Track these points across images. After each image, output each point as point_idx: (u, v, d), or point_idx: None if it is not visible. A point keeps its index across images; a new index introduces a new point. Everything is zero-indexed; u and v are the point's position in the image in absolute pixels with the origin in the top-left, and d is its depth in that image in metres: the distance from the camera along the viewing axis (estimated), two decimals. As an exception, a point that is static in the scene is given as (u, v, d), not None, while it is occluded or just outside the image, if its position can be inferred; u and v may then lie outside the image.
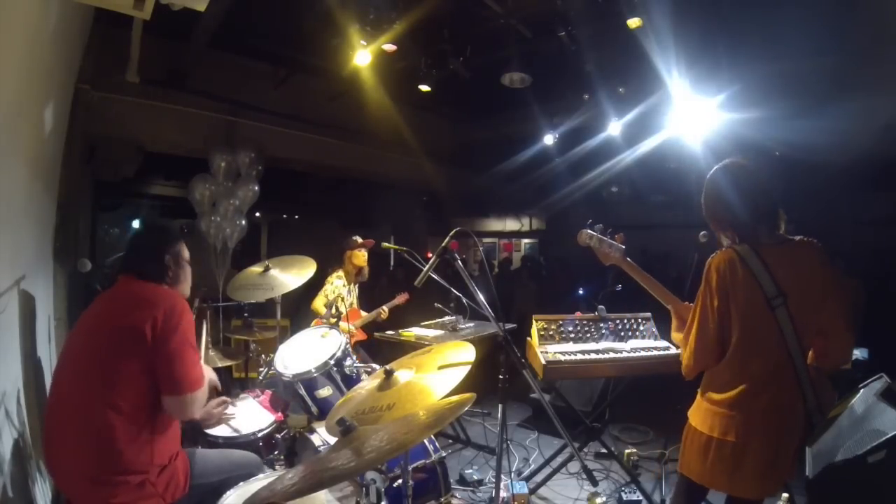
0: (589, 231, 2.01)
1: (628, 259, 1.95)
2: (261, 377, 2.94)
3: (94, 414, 1.54)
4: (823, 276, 1.59)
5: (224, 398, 2.19)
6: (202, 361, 2.45)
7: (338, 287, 3.80)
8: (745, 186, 1.63)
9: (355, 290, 4.02)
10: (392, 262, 8.87)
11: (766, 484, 1.59)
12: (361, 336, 3.98)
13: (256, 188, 5.32)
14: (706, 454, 1.61)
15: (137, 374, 1.58)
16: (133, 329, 1.57)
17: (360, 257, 3.91)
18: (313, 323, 3.73)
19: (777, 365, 1.56)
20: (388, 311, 4.06)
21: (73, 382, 1.62)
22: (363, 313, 4.04)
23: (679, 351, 1.78)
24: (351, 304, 3.89)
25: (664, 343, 2.71)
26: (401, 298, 4.15)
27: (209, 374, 2.02)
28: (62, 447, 1.60)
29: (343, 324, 2.98)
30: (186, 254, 1.91)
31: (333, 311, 3.55)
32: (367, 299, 4.37)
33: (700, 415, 1.66)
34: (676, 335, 1.85)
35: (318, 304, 3.76)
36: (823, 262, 1.60)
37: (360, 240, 3.92)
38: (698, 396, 1.71)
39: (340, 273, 3.86)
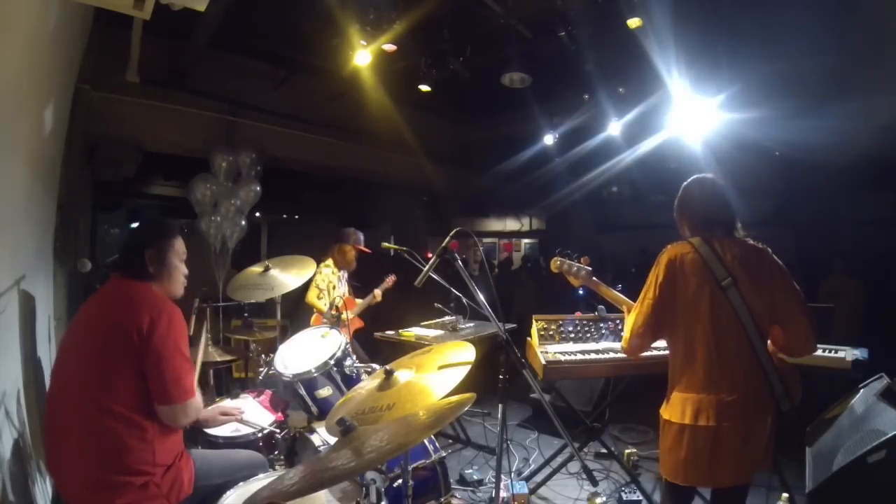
0: (559, 258, 2.27)
1: (594, 278, 2.19)
2: (260, 377, 2.94)
3: (93, 415, 1.53)
4: (770, 267, 1.69)
5: (231, 409, 2.19)
6: (198, 364, 2.45)
7: (327, 275, 3.78)
8: (710, 198, 1.80)
9: (345, 276, 4.01)
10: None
11: (741, 468, 1.63)
12: (359, 323, 4.00)
13: (258, 188, 5.32)
14: (680, 444, 1.65)
15: (131, 375, 1.57)
16: (121, 330, 1.56)
17: (353, 254, 3.94)
18: (312, 320, 3.74)
19: (736, 347, 1.63)
20: (381, 294, 4.08)
21: (70, 383, 1.61)
22: (358, 301, 4.06)
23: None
24: (344, 294, 3.93)
25: (663, 343, 2.70)
26: (390, 280, 4.17)
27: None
28: (63, 449, 1.59)
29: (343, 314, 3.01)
30: (180, 249, 1.83)
31: (334, 311, 3.56)
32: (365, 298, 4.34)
33: (670, 407, 1.72)
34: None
35: (312, 296, 3.75)
36: (770, 258, 1.71)
37: (361, 239, 3.94)
38: (666, 396, 1.77)
39: (329, 262, 3.86)
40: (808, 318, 1.68)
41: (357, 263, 4.06)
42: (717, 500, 1.78)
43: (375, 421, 1.52)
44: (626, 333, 1.82)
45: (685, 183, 1.88)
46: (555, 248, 2.30)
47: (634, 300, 2.39)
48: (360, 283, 4.22)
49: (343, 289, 3.97)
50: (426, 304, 3.82)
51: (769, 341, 1.71)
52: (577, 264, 2.23)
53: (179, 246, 1.84)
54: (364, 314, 4.16)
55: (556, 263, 2.27)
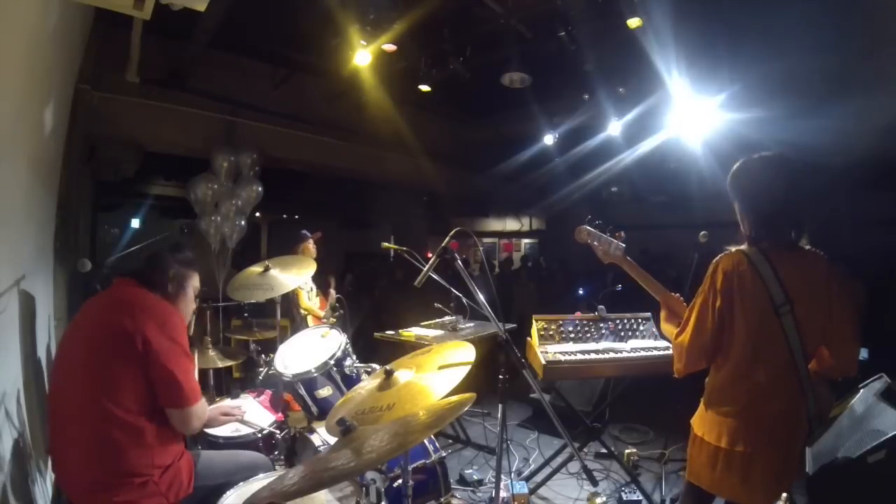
0: (588, 228, 1.94)
1: (628, 258, 1.89)
2: (260, 377, 2.94)
3: (91, 419, 1.53)
4: (830, 287, 1.56)
5: (232, 409, 2.20)
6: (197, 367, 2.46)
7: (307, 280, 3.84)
8: (785, 185, 1.57)
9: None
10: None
11: (774, 491, 1.59)
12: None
13: (260, 189, 5.32)
14: (714, 464, 1.59)
15: (133, 379, 1.56)
16: (124, 334, 1.56)
17: (312, 250, 4.00)
18: (309, 322, 3.79)
19: (781, 371, 1.54)
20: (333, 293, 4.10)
21: (69, 386, 1.61)
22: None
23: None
24: (318, 294, 4.06)
25: (664, 343, 2.71)
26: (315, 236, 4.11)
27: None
28: (65, 449, 1.59)
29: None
30: (196, 285, 1.92)
31: (335, 313, 3.57)
32: (368, 299, 4.39)
33: (706, 424, 1.63)
34: (666, 326, 1.83)
35: (305, 301, 3.86)
36: (831, 273, 1.58)
37: (308, 234, 4.04)
38: (702, 406, 1.69)
39: None
40: (858, 342, 1.59)
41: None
42: None
43: (375, 421, 1.52)
44: (678, 357, 1.65)
45: (754, 162, 1.60)
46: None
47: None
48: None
49: (314, 288, 4.07)
50: (426, 304, 3.82)
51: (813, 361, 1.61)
52: (612, 240, 1.92)
53: (197, 282, 1.93)
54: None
55: (583, 234, 1.94)
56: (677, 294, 1.88)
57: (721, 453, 1.56)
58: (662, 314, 1.86)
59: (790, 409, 1.55)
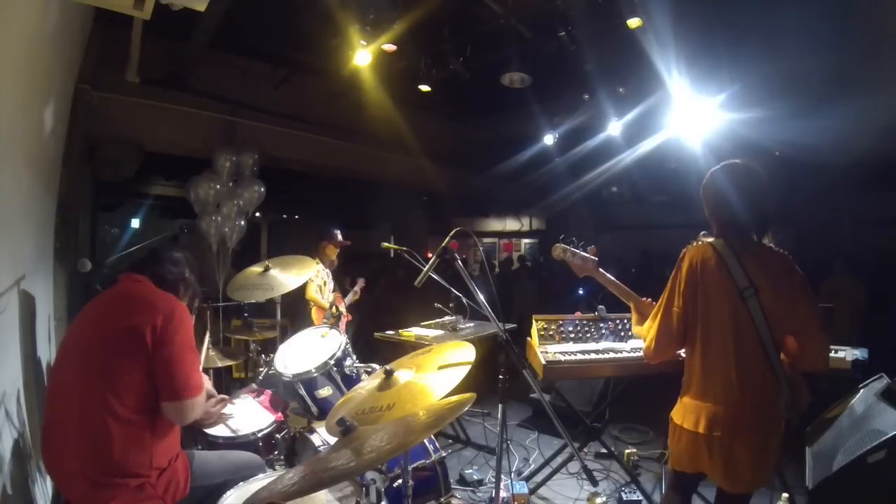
0: (562, 245, 2.15)
1: (601, 269, 2.08)
2: (260, 377, 2.94)
3: (92, 416, 1.52)
4: (792, 280, 1.64)
5: (223, 396, 2.19)
6: (202, 365, 2.46)
7: (321, 272, 3.97)
8: (746, 190, 1.66)
9: (329, 274, 4.22)
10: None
11: (755, 477, 1.62)
12: (348, 317, 4.25)
13: (262, 189, 5.32)
14: (695, 448, 1.64)
15: (137, 377, 1.56)
16: (134, 331, 1.56)
17: (334, 252, 4.11)
18: (314, 315, 3.90)
19: (752, 357, 1.60)
20: (359, 291, 4.41)
21: (71, 382, 1.60)
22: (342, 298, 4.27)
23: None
24: (334, 290, 4.16)
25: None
26: (360, 283, 4.40)
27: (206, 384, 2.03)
28: (61, 448, 1.59)
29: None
30: (196, 304, 1.97)
31: (333, 310, 3.57)
32: (367, 299, 4.44)
33: (683, 412, 1.69)
34: (638, 329, 1.93)
35: (311, 292, 3.92)
36: (793, 269, 1.66)
37: (340, 237, 4.11)
38: (679, 399, 1.75)
39: (317, 260, 4.01)
40: (825, 334, 1.64)
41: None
42: (721, 499, 1.76)
43: (375, 421, 1.52)
44: (648, 342, 1.74)
45: (713, 171, 1.75)
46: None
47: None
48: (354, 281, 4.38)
49: (331, 285, 4.13)
50: (426, 304, 3.83)
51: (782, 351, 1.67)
52: (584, 254, 2.12)
53: (199, 301, 2.00)
54: (362, 313, 4.21)
55: (558, 251, 2.15)
56: (648, 299, 1.97)
57: (700, 438, 1.62)
58: (634, 318, 1.98)
59: (764, 396, 1.60)
